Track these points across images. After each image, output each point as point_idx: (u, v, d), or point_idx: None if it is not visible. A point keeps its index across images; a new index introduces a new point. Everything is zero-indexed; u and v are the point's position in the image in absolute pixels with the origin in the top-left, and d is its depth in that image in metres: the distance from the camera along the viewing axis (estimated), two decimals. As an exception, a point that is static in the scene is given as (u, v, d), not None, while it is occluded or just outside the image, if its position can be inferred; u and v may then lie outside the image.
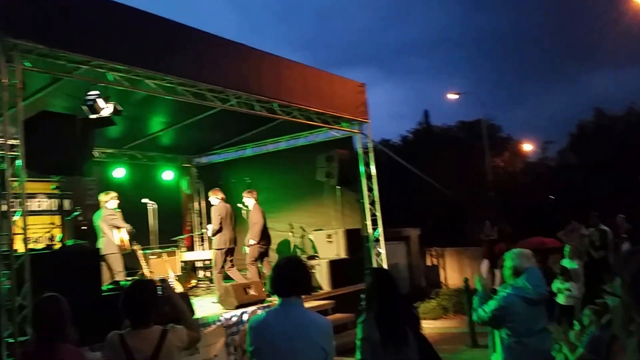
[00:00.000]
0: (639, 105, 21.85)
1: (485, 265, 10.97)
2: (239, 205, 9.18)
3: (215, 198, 8.14)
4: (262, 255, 8.24)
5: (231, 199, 10.53)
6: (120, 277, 6.95)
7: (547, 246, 10.95)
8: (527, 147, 25.39)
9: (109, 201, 7.48)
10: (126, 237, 7.51)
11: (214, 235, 7.90)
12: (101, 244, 7.23)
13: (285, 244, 9.91)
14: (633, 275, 1.22)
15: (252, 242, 8.13)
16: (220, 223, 7.85)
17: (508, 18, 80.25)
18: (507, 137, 25.63)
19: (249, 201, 8.39)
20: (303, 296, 2.69)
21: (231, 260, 8.05)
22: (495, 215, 12.36)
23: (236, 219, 8.42)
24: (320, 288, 8.28)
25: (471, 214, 15.78)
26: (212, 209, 8.10)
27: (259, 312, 2.73)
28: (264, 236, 8.25)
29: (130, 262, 7.92)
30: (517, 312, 3.42)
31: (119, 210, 7.62)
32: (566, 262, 7.05)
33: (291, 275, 2.68)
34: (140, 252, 7.83)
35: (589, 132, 22.30)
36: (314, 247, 9.57)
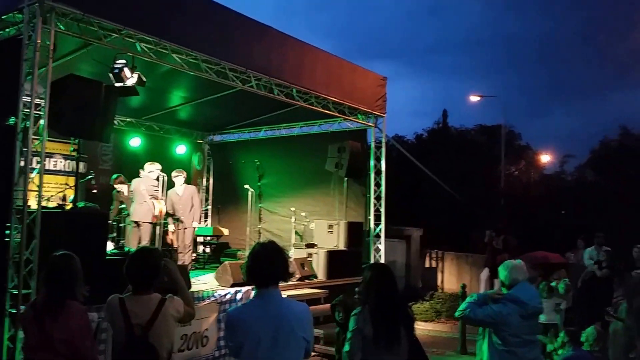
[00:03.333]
0: (667, 126, 21.26)
1: (485, 273, 11.02)
2: (246, 186, 9.32)
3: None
4: None
5: (240, 178, 10.71)
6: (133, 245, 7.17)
7: (550, 261, 10.95)
8: (545, 158, 25.05)
9: (154, 172, 7.68)
10: (164, 209, 7.70)
11: None
12: (138, 210, 7.44)
13: (286, 229, 10.05)
14: None
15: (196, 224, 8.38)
16: None
17: (541, 26, 78.91)
18: (526, 146, 25.18)
19: (179, 180, 8.35)
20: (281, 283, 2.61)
21: None
22: (503, 225, 12.33)
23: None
24: (316, 276, 8.41)
25: (478, 220, 15.73)
26: None
27: (252, 293, 2.66)
28: None
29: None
30: (511, 324, 3.45)
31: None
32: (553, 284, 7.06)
33: (268, 263, 2.56)
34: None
35: (612, 150, 21.82)
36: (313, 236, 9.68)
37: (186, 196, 8.27)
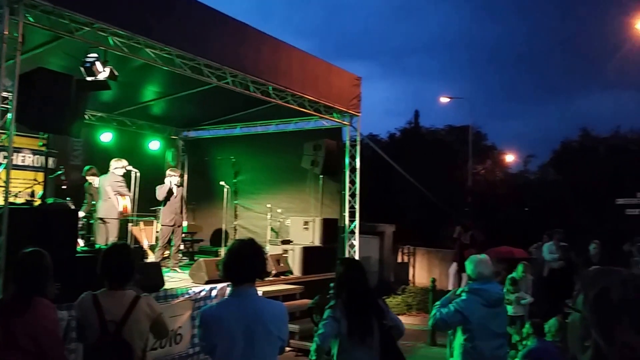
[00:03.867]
0: (624, 129, 22.31)
1: (453, 268, 11.31)
2: (222, 183, 9.27)
3: None
4: None
5: (215, 175, 10.65)
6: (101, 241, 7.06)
7: (515, 256, 11.34)
8: (510, 158, 25.95)
9: (119, 168, 7.63)
10: (129, 205, 7.68)
11: None
12: (102, 207, 7.39)
13: (262, 226, 10.06)
14: (596, 294, 1.28)
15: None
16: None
17: (511, 32, 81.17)
18: (492, 146, 26.04)
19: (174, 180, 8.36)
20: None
21: None
22: (470, 221, 12.66)
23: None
24: (291, 272, 8.46)
25: (448, 217, 16.10)
26: None
27: (227, 290, 2.60)
28: None
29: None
30: (475, 315, 3.52)
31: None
32: (515, 276, 7.33)
33: (245, 260, 2.51)
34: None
35: (572, 151, 22.67)
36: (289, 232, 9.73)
37: (179, 196, 8.29)
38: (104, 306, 2.74)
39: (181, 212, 8.22)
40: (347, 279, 3.23)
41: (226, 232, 9.56)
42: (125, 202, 7.63)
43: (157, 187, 8.29)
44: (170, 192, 8.00)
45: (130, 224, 7.95)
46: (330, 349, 3.16)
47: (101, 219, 7.45)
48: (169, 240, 9.80)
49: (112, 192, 7.47)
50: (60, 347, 3.00)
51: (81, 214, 7.75)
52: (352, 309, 3.11)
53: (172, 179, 8.15)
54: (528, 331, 4.54)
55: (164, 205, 8.02)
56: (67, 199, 6.99)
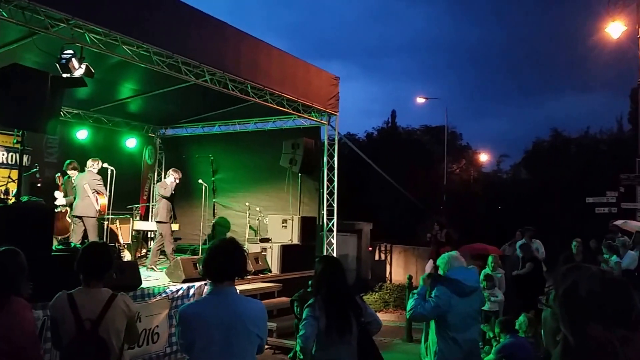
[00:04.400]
0: (594, 130, 23.03)
1: (429, 265, 11.50)
2: (200, 181, 9.25)
3: None
4: None
5: (193, 173, 10.60)
6: (76, 239, 7.00)
7: (489, 252, 11.60)
8: (483, 157, 26.57)
9: (95, 166, 7.65)
10: (106, 203, 7.69)
11: None
12: (80, 205, 7.38)
13: (240, 224, 10.06)
14: (566, 289, 1.31)
15: None
16: None
17: (487, 35, 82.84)
18: (466, 145, 26.60)
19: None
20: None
21: None
22: (445, 219, 12.91)
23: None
24: (270, 270, 8.50)
25: (424, 215, 16.38)
26: None
27: (206, 288, 2.59)
28: None
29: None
30: (451, 304, 3.56)
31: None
32: (488, 271, 7.56)
33: (226, 259, 2.51)
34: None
35: (543, 151, 23.30)
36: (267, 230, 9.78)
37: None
38: (79, 304, 2.73)
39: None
40: (326, 277, 3.27)
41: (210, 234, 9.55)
42: (103, 201, 7.61)
43: (159, 185, 8.49)
44: (174, 191, 8.25)
45: (105, 222, 7.86)
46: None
47: (79, 217, 7.41)
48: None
49: (90, 191, 7.45)
50: (36, 347, 2.97)
51: (62, 201, 7.73)
52: (330, 306, 3.15)
53: (171, 178, 8.32)
54: (497, 328, 4.68)
55: (168, 201, 8.21)
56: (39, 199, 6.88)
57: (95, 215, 7.46)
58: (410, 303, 3.78)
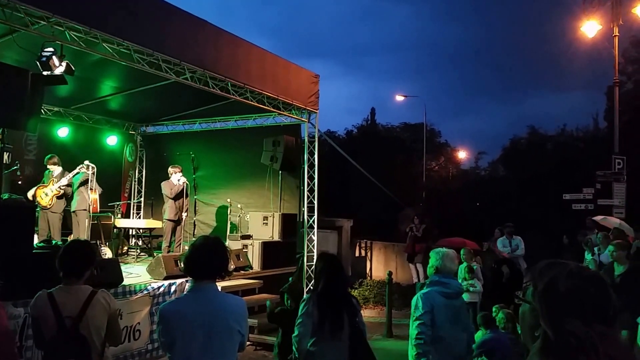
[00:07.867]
0: (570, 127, 23.54)
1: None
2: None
3: None
4: None
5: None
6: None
7: (467, 247, 11.87)
8: (462, 154, 27.03)
9: (83, 167, 7.88)
10: (97, 199, 7.91)
11: None
12: (76, 201, 7.79)
13: (222, 221, 10.12)
14: (545, 285, 1.31)
15: None
16: None
17: (467, 34, 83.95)
18: (445, 143, 27.04)
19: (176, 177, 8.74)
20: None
21: None
22: (424, 215, 13.12)
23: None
24: (251, 267, 8.59)
25: (403, 211, 16.61)
26: None
27: (187, 285, 2.64)
28: None
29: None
30: (438, 306, 3.55)
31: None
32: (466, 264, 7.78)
33: (208, 257, 2.53)
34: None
35: (521, 148, 23.72)
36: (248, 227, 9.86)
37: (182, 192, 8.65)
38: (59, 302, 2.75)
39: (183, 208, 8.58)
40: (325, 274, 3.34)
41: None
42: (94, 196, 7.83)
43: (163, 184, 8.55)
44: (181, 191, 8.41)
45: (86, 219, 7.85)
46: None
47: (73, 211, 7.74)
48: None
49: (83, 187, 7.77)
50: (10, 342, 2.93)
51: (64, 182, 7.85)
52: (325, 303, 3.24)
53: (177, 176, 8.47)
54: (478, 323, 4.83)
55: (173, 201, 8.43)
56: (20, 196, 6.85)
57: (87, 210, 7.70)
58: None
